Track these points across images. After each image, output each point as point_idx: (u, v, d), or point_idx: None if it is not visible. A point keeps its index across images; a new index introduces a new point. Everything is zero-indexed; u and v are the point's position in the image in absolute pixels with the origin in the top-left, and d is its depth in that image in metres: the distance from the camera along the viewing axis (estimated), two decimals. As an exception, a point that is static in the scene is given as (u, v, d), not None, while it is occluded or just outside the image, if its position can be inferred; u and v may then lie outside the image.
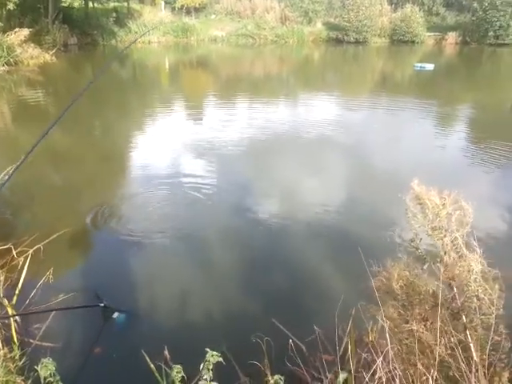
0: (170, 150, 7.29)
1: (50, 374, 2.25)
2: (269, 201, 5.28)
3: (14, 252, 3.39)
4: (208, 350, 1.77)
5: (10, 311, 2.84)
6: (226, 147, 7.39)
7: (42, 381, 2.23)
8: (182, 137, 8.21)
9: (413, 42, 26.65)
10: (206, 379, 1.67)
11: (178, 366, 1.74)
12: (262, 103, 11.62)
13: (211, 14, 30.10)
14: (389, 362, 1.64)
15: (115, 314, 3.15)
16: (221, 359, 1.73)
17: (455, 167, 6.73)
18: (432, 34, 27.58)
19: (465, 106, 11.71)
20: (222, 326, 3.07)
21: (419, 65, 17.20)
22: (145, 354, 2.38)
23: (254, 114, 10.37)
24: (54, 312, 3.02)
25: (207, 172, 6.27)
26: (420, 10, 27.20)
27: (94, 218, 4.75)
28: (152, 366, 2.30)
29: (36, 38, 17.64)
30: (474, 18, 25.86)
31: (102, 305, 3.14)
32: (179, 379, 1.71)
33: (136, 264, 3.94)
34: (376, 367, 1.63)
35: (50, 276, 3.18)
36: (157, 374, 2.25)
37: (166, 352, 2.54)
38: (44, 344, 2.82)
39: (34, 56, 16.42)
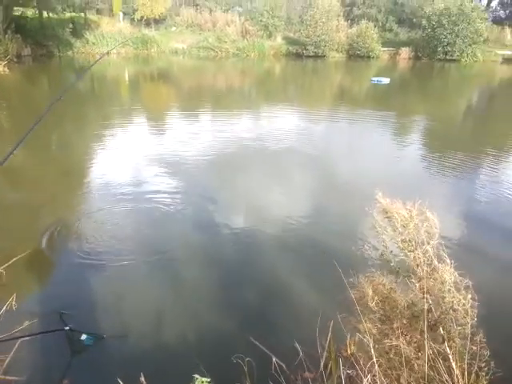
0: (132, 164, 7.11)
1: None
2: (237, 215, 5.25)
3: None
4: (196, 376, 1.71)
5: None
6: (190, 160, 7.31)
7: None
8: (143, 150, 8.03)
9: (368, 56, 27.78)
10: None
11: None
12: (225, 116, 11.65)
13: (171, 26, 30.03)
14: (374, 376, 1.65)
15: (83, 336, 2.99)
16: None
17: (415, 176, 7.00)
18: (386, 49, 28.89)
19: (419, 118, 12.28)
20: (198, 347, 2.98)
21: (376, 79, 17.92)
22: (120, 382, 2.26)
23: (216, 126, 10.36)
24: (18, 341, 2.83)
25: (171, 186, 6.15)
26: (375, 26, 28.46)
27: (54, 239, 4.53)
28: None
29: (-14, 49, 16.89)
30: (423, 35, 27.40)
31: (67, 328, 2.97)
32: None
33: (101, 284, 3.77)
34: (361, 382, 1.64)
35: (13, 302, 2.98)
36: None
37: (143, 378, 2.44)
38: (8, 378, 2.62)
39: (-15, 67, 15.70)
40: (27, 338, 2.79)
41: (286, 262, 4.22)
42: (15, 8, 21.86)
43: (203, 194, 5.89)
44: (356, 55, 27.91)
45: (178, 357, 2.89)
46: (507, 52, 28.40)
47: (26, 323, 2.95)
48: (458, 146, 8.81)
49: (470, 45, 26.76)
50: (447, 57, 26.96)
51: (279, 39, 29.70)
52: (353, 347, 2.30)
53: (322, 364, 2.31)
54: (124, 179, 6.38)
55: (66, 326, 2.98)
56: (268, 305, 3.49)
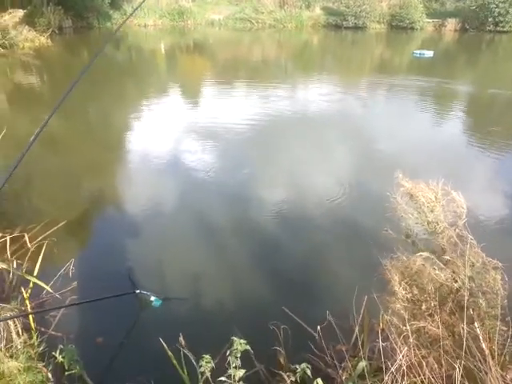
0: (169, 135, 7.30)
1: (73, 360, 2.33)
2: (276, 188, 5.32)
3: (27, 239, 3.43)
4: (234, 338, 1.85)
5: (27, 300, 2.90)
6: (226, 131, 7.41)
7: (66, 366, 2.30)
8: (180, 121, 8.21)
9: (412, 28, 26.45)
10: (235, 367, 1.75)
11: (208, 356, 1.82)
12: (261, 87, 11.57)
13: (208, -3, 29.59)
14: (408, 351, 1.72)
15: (152, 298, 3.19)
16: (248, 347, 1.81)
17: (452, 153, 6.83)
18: (431, 20, 27.37)
19: (463, 93, 11.73)
20: (235, 313, 3.15)
21: (418, 52, 17.13)
22: (162, 341, 2.46)
23: (252, 98, 10.35)
24: (67, 301, 3.10)
25: (209, 156, 6.31)
26: (419, -5, 26.94)
27: (95, 205, 4.84)
28: (169, 353, 2.38)
29: (30, 20, 17.29)
30: (472, 5, 25.65)
31: (138, 291, 3.18)
32: (209, 369, 1.78)
33: (139, 249, 4.00)
34: (396, 355, 1.72)
35: (71, 267, 3.21)
36: (175, 362, 2.33)
37: (182, 338, 2.63)
38: (59, 334, 2.88)
39: (29, 39, 16.14)
40: (96, 301, 2.96)
41: (321, 237, 4.29)
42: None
43: (239, 166, 6.01)
44: (398, 27, 26.62)
45: (215, 320, 3.07)
46: None
47: (74, 285, 3.21)
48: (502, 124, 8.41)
49: (525, 14, 24.86)
50: (498, 28, 25.23)
51: (318, 10, 28.69)
52: (384, 324, 2.37)
53: (353, 337, 2.40)
54: (162, 149, 6.58)
55: (137, 289, 3.20)
56: (303, 277, 3.61)
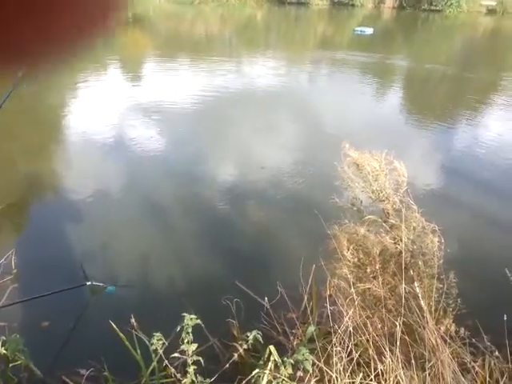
0: (110, 114, 6.96)
1: (18, 350, 2.22)
2: (223, 164, 5.30)
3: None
4: (185, 314, 1.84)
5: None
6: (169, 109, 7.21)
7: (10, 357, 2.19)
8: (120, 99, 7.84)
9: (352, 5, 26.96)
10: (187, 342, 1.75)
11: (158, 334, 1.80)
12: (207, 63, 11.32)
13: (146, -33, 28.06)
14: (354, 312, 1.82)
15: (109, 288, 3.06)
16: (199, 321, 1.81)
17: (391, 124, 7.17)
18: (371, -3, 28.03)
19: (402, 70, 12.22)
20: (187, 291, 3.13)
21: (359, 29, 17.55)
22: (112, 324, 2.40)
23: (196, 75, 10.10)
24: (8, 290, 2.92)
25: (153, 134, 6.12)
26: (359, -28, 27.36)
27: (34, 189, 4.56)
28: (121, 334, 2.34)
29: None
30: (409, -17, 26.60)
31: (89, 283, 3.03)
32: (160, 346, 1.77)
33: (83, 232, 3.84)
34: (343, 318, 1.81)
35: (12, 256, 3.01)
36: (127, 343, 2.29)
37: (133, 320, 2.59)
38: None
39: None
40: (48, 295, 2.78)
41: (270, 211, 4.35)
42: None
43: (185, 143, 5.90)
44: (340, 3, 27.03)
45: (168, 300, 3.04)
46: (491, 3, 27.99)
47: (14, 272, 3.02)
48: (436, 102, 8.91)
49: (455, -6, 26.23)
50: (432, 7, 26.41)
51: (261, -17, 28.29)
52: (331, 289, 2.48)
53: (303, 304, 2.49)
54: (104, 127, 6.27)
55: (88, 280, 3.05)
56: (253, 252, 3.66)
